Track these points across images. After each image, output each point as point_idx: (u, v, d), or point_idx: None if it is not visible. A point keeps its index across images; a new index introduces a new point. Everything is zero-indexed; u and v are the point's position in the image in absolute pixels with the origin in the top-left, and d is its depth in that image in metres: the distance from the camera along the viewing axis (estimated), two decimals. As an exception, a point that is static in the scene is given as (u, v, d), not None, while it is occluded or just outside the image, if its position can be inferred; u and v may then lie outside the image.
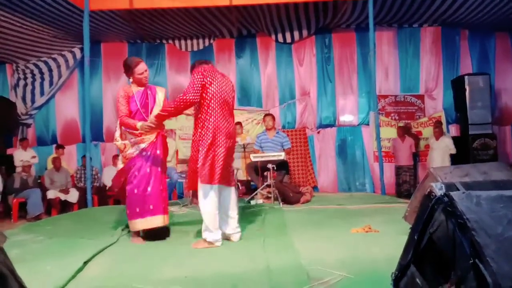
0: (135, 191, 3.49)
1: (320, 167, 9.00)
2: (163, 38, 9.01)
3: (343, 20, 8.59)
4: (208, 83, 3.29)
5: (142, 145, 3.56)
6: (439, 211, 1.54)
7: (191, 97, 3.24)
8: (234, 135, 3.52)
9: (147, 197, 3.49)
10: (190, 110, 3.55)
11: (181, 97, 3.24)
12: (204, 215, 3.26)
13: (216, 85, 3.33)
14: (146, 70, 3.65)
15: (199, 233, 3.42)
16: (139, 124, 3.47)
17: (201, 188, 3.26)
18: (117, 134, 3.68)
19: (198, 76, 3.28)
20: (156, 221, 3.51)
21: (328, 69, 9.15)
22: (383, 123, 8.54)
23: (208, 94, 3.29)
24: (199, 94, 3.26)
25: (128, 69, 3.62)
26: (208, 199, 3.25)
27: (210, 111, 3.29)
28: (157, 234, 3.60)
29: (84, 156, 7.82)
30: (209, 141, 3.24)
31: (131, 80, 3.66)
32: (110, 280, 2.45)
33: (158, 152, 3.61)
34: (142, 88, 3.67)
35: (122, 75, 3.65)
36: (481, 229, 1.39)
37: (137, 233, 3.60)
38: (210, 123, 3.27)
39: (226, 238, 3.43)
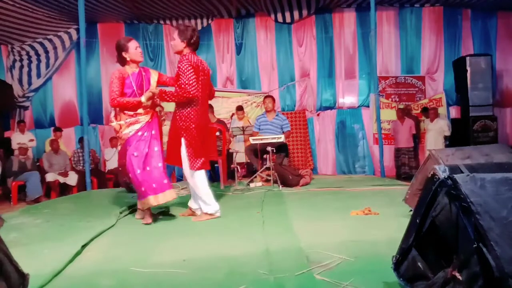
0: (138, 171, 3.46)
1: (320, 150, 8.99)
2: (160, 18, 8.86)
3: (344, -1, 8.44)
4: (199, 75, 3.51)
5: (137, 126, 3.54)
6: (442, 194, 1.51)
7: (195, 92, 3.43)
8: (208, 123, 3.92)
9: (150, 176, 3.48)
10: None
11: (186, 90, 3.40)
12: (201, 193, 3.58)
13: (202, 78, 3.56)
14: (138, 46, 3.65)
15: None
16: (143, 98, 3.50)
17: (197, 173, 3.59)
18: (112, 115, 3.66)
19: (190, 68, 3.44)
20: (168, 196, 3.52)
21: (328, 50, 9.02)
22: (383, 105, 8.48)
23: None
24: (195, 84, 3.46)
25: (123, 48, 3.56)
26: (203, 180, 3.61)
27: (194, 104, 3.53)
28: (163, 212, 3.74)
29: (81, 138, 7.78)
30: (195, 134, 3.54)
31: (128, 58, 3.58)
32: (108, 264, 2.44)
33: (153, 132, 3.60)
34: (137, 70, 3.63)
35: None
36: (485, 212, 1.37)
37: (147, 212, 3.58)
38: (194, 116, 3.53)
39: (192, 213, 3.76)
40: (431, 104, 8.63)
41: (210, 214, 3.58)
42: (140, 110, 3.57)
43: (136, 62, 3.62)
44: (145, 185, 3.46)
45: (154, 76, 3.72)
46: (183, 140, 3.54)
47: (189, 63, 3.45)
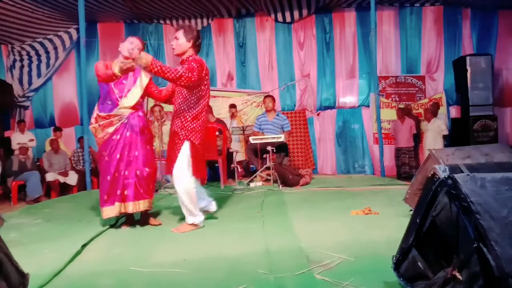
0: (108, 177, 3.30)
1: (320, 149, 8.98)
2: (160, 18, 8.86)
3: (344, -1, 8.44)
4: (206, 80, 3.30)
5: (111, 129, 3.32)
6: (442, 193, 1.51)
7: (194, 77, 3.09)
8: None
9: (115, 183, 3.28)
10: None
11: (187, 72, 3.06)
12: (189, 202, 3.23)
13: (207, 82, 3.36)
14: (134, 43, 3.41)
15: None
16: (116, 69, 3.21)
17: (190, 179, 3.25)
18: (93, 117, 3.44)
19: (200, 67, 3.16)
20: (128, 207, 3.31)
21: (328, 50, 9.02)
22: (383, 105, 8.47)
23: (202, 90, 3.30)
24: (199, 81, 3.19)
25: (123, 40, 3.47)
26: (193, 188, 3.25)
27: (202, 107, 3.32)
28: (132, 221, 3.49)
29: (81, 138, 7.79)
30: (198, 139, 3.30)
31: (120, 51, 3.42)
32: (108, 263, 2.44)
33: (128, 134, 3.32)
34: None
35: (119, 55, 3.45)
36: (486, 212, 1.37)
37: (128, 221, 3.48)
38: (200, 122, 3.32)
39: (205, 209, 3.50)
40: (430, 104, 8.63)
41: (195, 225, 3.25)
42: (117, 111, 3.34)
43: (122, 56, 3.38)
44: (101, 195, 3.33)
45: (144, 79, 3.40)
46: (187, 143, 3.24)
47: (197, 61, 3.18)
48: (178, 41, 3.28)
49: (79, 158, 7.95)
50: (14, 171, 7.12)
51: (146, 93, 3.51)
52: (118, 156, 3.30)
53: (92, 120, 3.43)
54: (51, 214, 4.13)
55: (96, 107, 3.48)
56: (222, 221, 3.57)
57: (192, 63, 3.15)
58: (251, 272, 2.13)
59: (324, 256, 2.29)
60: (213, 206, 3.60)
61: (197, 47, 3.33)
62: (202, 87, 3.29)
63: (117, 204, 3.29)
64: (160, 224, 3.50)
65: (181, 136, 3.24)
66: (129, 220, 3.49)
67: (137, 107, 3.43)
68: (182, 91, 3.30)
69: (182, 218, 3.42)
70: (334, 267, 2.14)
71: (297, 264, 2.19)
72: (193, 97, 3.26)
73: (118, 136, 3.32)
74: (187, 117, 3.26)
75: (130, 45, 3.39)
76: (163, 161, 5.44)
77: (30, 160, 7.48)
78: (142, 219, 3.50)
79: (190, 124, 3.26)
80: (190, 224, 3.26)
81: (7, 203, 6.89)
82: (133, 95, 3.39)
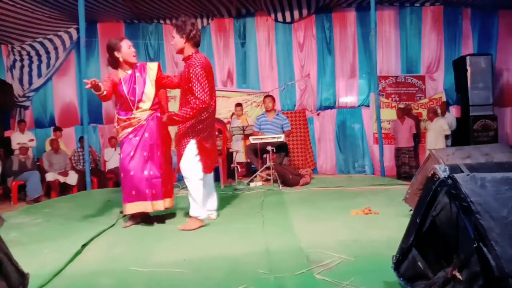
0: (122, 175, 3.41)
1: (320, 149, 8.98)
2: (160, 18, 8.86)
3: (344, -1, 8.44)
4: (209, 79, 3.27)
5: (129, 129, 3.41)
6: (442, 193, 1.51)
7: (207, 99, 3.18)
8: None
9: (134, 182, 3.34)
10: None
11: (198, 102, 3.15)
12: (199, 197, 3.30)
13: (211, 78, 3.34)
14: (131, 45, 3.46)
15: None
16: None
17: (193, 175, 3.31)
18: (115, 120, 3.56)
19: (203, 73, 3.18)
20: (142, 206, 3.36)
21: (328, 50, 9.02)
22: (383, 105, 8.48)
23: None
24: (211, 89, 3.27)
25: (115, 47, 3.39)
26: (199, 185, 3.32)
27: (211, 108, 3.37)
28: (146, 220, 3.53)
29: (81, 138, 7.80)
30: (205, 138, 3.36)
31: (121, 58, 3.41)
32: (108, 263, 2.44)
33: (146, 135, 3.40)
34: (130, 72, 3.46)
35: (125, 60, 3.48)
36: (486, 212, 1.36)
37: (134, 218, 3.52)
38: (207, 118, 3.36)
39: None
40: (431, 104, 8.64)
41: (200, 221, 3.29)
42: (135, 114, 3.41)
43: (129, 63, 3.44)
44: (127, 191, 3.38)
45: (151, 72, 3.47)
46: (193, 142, 3.30)
47: (201, 66, 3.19)
48: (174, 39, 3.33)
49: (79, 158, 7.96)
50: (14, 171, 7.12)
51: (159, 86, 3.56)
52: (132, 153, 3.36)
53: (115, 123, 3.55)
54: (51, 214, 4.12)
55: (116, 110, 3.58)
56: (222, 221, 3.57)
57: (193, 68, 3.16)
58: (251, 272, 2.13)
59: (324, 256, 2.29)
60: (213, 215, 3.60)
61: (192, 39, 3.29)
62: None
63: (147, 202, 3.36)
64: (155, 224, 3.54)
65: (187, 134, 3.30)
66: (137, 217, 3.51)
67: (154, 107, 3.49)
68: (187, 96, 3.29)
69: (187, 213, 3.45)
70: (334, 267, 2.14)
71: (297, 264, 2.19)
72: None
73: (136, 137, 3.40)
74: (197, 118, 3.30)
75: (130, 49, 3.44)
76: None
77: (30, 160, 7.48)
78: (147, 218, 3.54)
79: (196, 125, 3.29)
80: (195, 218, 3.27)
81: (7, 203, 6.89)
82: (148, 97, 3.45)
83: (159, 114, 3.52)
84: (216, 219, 3.60)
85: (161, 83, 3.55)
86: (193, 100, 3.18)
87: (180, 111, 3.22)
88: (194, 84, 3.16)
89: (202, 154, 3.33)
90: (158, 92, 3.55)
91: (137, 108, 3.42)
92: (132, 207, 3.38)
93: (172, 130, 3.70)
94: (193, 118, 3.23)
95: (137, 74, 3.46)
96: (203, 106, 3.18)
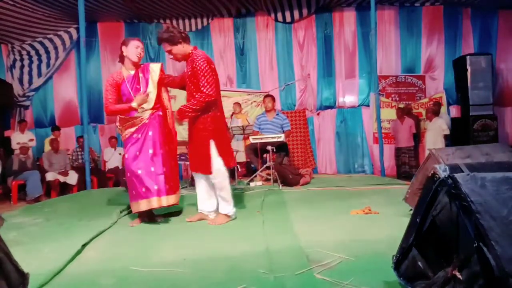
0: (128, 174, 3.46)
1: (320, 149, 8.98)
2: (160, 17, 8.85)
3: (344, -2, 8.45)
4: (215, 74, 3.33)
5: (133, 128, 3.47)
6: (442, 193, 1.51)
7: (212, 92, 3.24)
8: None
9: (140, 181, 3.40)
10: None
11: (204, 96, 3.22)
12: (226, 193, 3.43)
13: (215, 72, 3.38)
14: (140, 47, 3.54)
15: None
16: (134, 103, 3.43)
17: (225, 171, 3.46)
18: (117, 119, 3.59)
19: (208, 67, 3.24)
20: (147, 203, 3.41)
21: (328, 50, 9.02)
22: (383, 104, 8.47)
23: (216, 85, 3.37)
24: (216, 84, 3.33)
25: (125, 42, 3.53)
26: (228, 179, 3.49)
27: (217, 105, 3.40)
28: (151, 217, 3.58)
29: (80, 137, 7.81)
30: (223, 134, 3.47)
31: (125, 53, 3.52)
32: (108, 263, 2.44)
33: (150, 133, 3.48)
34: (133, 72, 3.54)
35: (125, 59, 3.54)
36: (486, 211, 1.36)
37: (141, 216, 3.56)
38: (219, 116, 3.43)
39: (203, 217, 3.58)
40: (431, 104, 8.63)
41: (228, 216, 3.44)
42: (138, 113, 3.48)
43: (131, 61, 3.52)
44: (135, 189, 3.43)
45: (154, 73, 3.56)
46: (212, 142, 3.36)
47: (204, 59, 3.24)
48: (173, 51, 3.33)
49: (77, 157, 7.97)
50: (14, 170, 7.12)
51: (162, 86, 3.63)
52: (138, 153, 3.43)
53: (117, 123, 3.58)
54: (51, 214, 4.12)
55: None
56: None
57: (197, 63, 3.21)
58: (251, 272, 2.13)
59: (324, 256, 2.29)
60: (211, 215, 3.59)
61: (186, 39, 3.34)
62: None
63: (153, 198, 3.41)
64: (161, 221, 3.59)
65: (203, 137, 3.35)
66: (144, 215, 3.55)
67: (156, 106, 3.56)
68: (193, 93, 3.32)
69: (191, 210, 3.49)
70: (334, 266, 2.14)
71: (297, 263, 2.19)
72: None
73: (140, 135, 3.47)
74: (206, 117, 3.34)
75: (136, 49, 3.51)
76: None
77: (30, 160, 7.48)
78: (151, 215, 3.60)
79: (210, 125, 3.35)
80: (225, 215, 3.42)
81: (7, 203, 6.89)
82: (150, 97, 3.52)
83: (161, 113, 3.59)
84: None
85: (163, 84, 3.64)
86: (199, 94, 3.25)
87: (188, 103, 3.31)
88: (200, 78, 3.22)
89: (221, 151, 3.39)
90: (160, 93, 3.62)
91: (140, 108, 3.48)
92: (139, 205, 3.43)
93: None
94: (200, 110, 3.29)
95: (141, 74, 3.55)
96: (209, 99, 3.24)
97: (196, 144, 3.43)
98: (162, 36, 3.32)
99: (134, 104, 3.43)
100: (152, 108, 3.53)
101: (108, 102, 3.50)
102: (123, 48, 3.52)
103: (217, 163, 3.38)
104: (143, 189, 3.40)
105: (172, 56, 3.37)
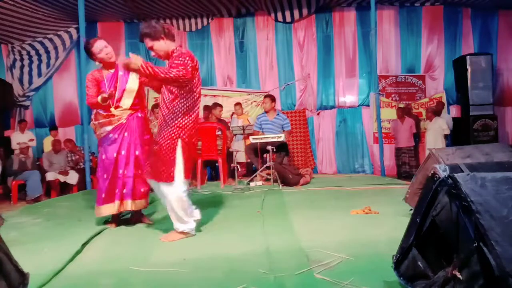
0: (105, 176, 3.33)
1: (320, 149, 8.98)
2: (160, 17, 8.84)
3: (344, -2, 8.44)
4: (197, 73, 2.96)
5: (109, 127, 3.36)
6: (442, 193, 1.51)
7: (188, 74, 2.79)
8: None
9: (114, 182, 3.31)
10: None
11: (180, 70, 2.76)
12: (179, 208, 2.94)
13: (198, 75, 3.03)
14: (105, 47, 3.35)
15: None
16: (99, 98, 3.29)
17: (183, 183, 2.96)
18: (92, 113, 3.50)
19: (191, 61, 2.87)
20: (127, 206, 3.33)
21: (328, 49, 9.02)
22: (383, 104, 8.47)
23: (193, 84, 2.96)
24: (192, 77, 2.89)
25: (89, 54, 3.39)
26: (183, 192, 2.95)
27: (195, 102, 3.00)
28: (126, 220, 3.52)
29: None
30: (188, 137, 2.97)
31: (97, 63, 3.43)
32: (108, 263, 2.44)
33: (126, 134, 3.35)
34: (113, 70, 3.42)
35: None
36: (486, 211, 1.36)
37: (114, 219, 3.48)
38: (192, 119, 2.99)
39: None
40: (431, 103, 8.63)
41: (185, 233, 2.98)
42: (115, 112, 3.36)
43: (107, 64, 3.39)
44: (99, 193, 3.34)
45: (134, 75, 3.36)
46: (179, 150, 2.92)
47: (187, 55, 2.87)
48: (154, 48, 2.96)
49: (74, 157, 7.99)
50: (14, 170, 7.12)
51: (144, 86, 3.49)
52: (115, 155, 3.33)
53: (92, 116, 3.48)
54: (51, 214, 4.13)
55: None
56: (222, 220, 3.57)
57: (181, 58, 2.84)
58: (251, 272, 2.13)
59: (324, 256, 2.29)
60: (197, 214, 3.10)
61: (168, 35, 2.96)
62: (193, 81, 2.95)
63: (116, 202, 3.31)
64: (152, 223, 3.53)
65: (171, 133, 2.90)
66: (115, 219, 3.47)
67: (135, 107, 3.44)
68: (170, 86, 2.96)
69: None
70: (334, 266, 2.14)
71: (297, 263, 2.19)
72: (183, 90, 2.92)
73: (116, 136, 3.35)
74: (178, 112, 2.92)
75: (104, 49, 3.36)
76: None
77: (30, 160, 7.48)
78: (135, 217, 3.53)
79: (181, 120, 2.92)
80: (180, 232, 2.98)
81: (7, 203, 6.88)
82: (129, 95, 3.40)
83: (140, 114, 3.46)
84: (214, 219, 3.59)
85: (146, 84, 3.42)
86: (175, 69, 2.78)
87: (157, 69, 2.71)
88: (179, 62, 2.81)
89: (186, 156, 2.95)
90: (141, 89, 3.48)
91: (117, 107, 3.37)
92: (100, 210, 3.33)
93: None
94: (165, 80, 2.80)
95: (120, 73, 3.41)
96: (181, 75, 2.76)
97: (155, 149, 3.00)
98: (143, 31, 2.94)
99: (98, 99, 3.28)
100: (131, 108, 3.41)
101: (89, 96, 3.41)
102: (94, 59, 3.39)
103: (179, 171, 2.92)
104: (103, 195, 3.30)
105: (154, 53, 3.00)
